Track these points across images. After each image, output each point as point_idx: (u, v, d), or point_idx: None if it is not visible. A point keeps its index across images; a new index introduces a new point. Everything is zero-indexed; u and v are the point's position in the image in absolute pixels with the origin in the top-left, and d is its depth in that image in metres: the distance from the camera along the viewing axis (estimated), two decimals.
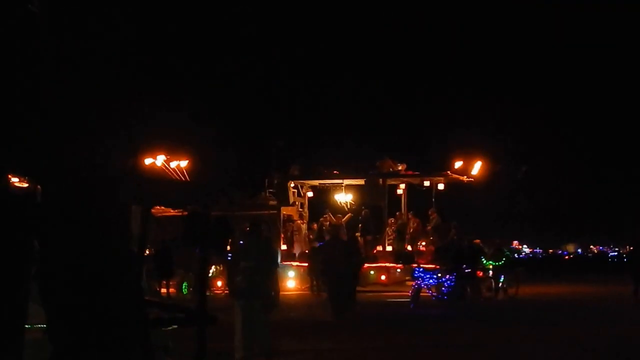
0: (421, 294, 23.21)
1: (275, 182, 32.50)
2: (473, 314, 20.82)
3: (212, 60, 56.67)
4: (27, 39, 4.78)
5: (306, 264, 29.40)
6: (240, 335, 11.12)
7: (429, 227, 30.87)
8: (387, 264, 30.43)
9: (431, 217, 31.08)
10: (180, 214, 26.74)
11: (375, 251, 30.80)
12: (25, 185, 4.97)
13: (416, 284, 23.28)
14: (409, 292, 23.51)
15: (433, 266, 25.17)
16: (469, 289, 24.77)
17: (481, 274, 25.83)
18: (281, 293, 13.71)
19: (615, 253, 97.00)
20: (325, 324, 17.82)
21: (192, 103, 45.62)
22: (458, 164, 32.00)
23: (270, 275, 11.37)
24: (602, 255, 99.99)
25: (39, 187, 4.80)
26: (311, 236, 31.64)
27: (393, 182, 32.14)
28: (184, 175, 33.05)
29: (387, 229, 31.22)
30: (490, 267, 26.20)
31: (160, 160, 33.10)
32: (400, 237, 31.13)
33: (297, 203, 32.83)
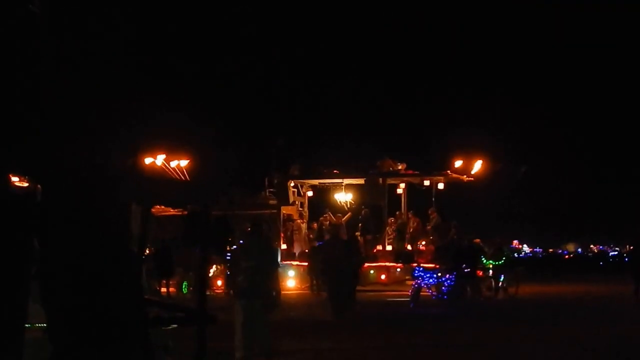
0: (421, 293, 23.22)
1: (275, 181, 32.51)
2: (473, 313, 20.83)
3: (212, 60, 56.69)
4: (27, 39, 4.78)
5: (306, 264, 29.42)
6: (240, 335, 11.12)
7: (428, 227, 30.88)
8: (387, 264, 30.44)
9: (431, 217, 31.08)
10: (180, 213, 26.77)
11: (375, 250, 30.81)
12: (26, 184, 4.97)
13: (416, 283, 23.28)
14: (408, 291, 23.52)
15: (433, 265, 25.18)
16: (469, 289, 24.79)
17: (481, 273, 25.84)
18: (281, 292, 13.70)
19: (616, 252, 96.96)
20: (325, 323, 17.82)
21: (192, 103, 45.65)
22: (458, 164, 32.01)
23: (271, 275, 11.37)
24: (603, 254, 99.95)
25: (39, 186, 4.81)
26: (311, 235, 31.65)
27: (393, 182, 32.14)
28: (184, 175, 33.05)
29: (387, 228, 31.23)
30: (490, 266, 26.21)
31: (160, 159, 33.10)
32: (400, 237, 31.14)
33: (297, 202, 32.84)
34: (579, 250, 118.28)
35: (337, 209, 32.09)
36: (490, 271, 26.24)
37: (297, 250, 31.62)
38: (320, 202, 33.55)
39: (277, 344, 12.60)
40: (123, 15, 4.83)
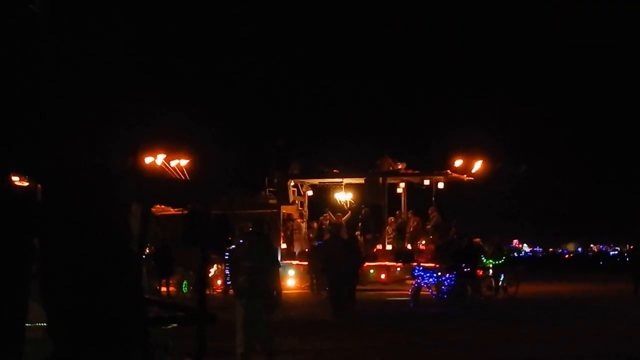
0: (421, 292, 23.23)
1: (275, 181, 32.52)
2: (473, 312, 20.83)
3: (212, 60, 56.70)
4: (27, 39, 4.79)
5: (306, 263, 29.43)
6: (241, 334, 11.16)
7: (428, 226, 30.88)
8: (387, 263, 30.44)
9: (431, 216, 31.09)
10: (181, 212, 26.80)
11: (375, 250, 30.81)
12: (26, 184, 4.98)
13: (416, 282, 23.29)
14: (408, 290, 23.53)
15: (433, 265, 25.20)
16: (469, 288, 24.78)
17: (481, 272, 25.84)
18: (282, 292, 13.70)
19: (616, 252, 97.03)
20: (325, 323, 17.83)
21: (192, 103, 45.66)
22: (458, 163, 32.00)
23: (272, 275, 11.39)
24: (602, 254, 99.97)
25: (39, 186, 4.81)
26: (311, 235, 31.65)
27: (393, 181, 32.14)
28: (184, 174, 33.04)
29: (387, 227, 31.23)
30: (490, 265, 26.22)
31: (160, 159, 33.10)
32: (400, 236, 31.13)
33: (297, 202, 32.85)
34: (579, 249, 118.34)
35: (337, 209, 32.09)
36: (490, 270, 26.25)
37: (297, 249, 31.64)
38: (320, 202, 33.56)
39: (277, 343, 12.61)
40: (123, 15, 4.84)
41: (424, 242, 30.48)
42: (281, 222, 31.69)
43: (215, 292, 26.88)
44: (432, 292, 23.83)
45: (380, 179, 31.62)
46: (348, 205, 32.48)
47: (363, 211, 31.46)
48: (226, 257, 24.89)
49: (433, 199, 31.37)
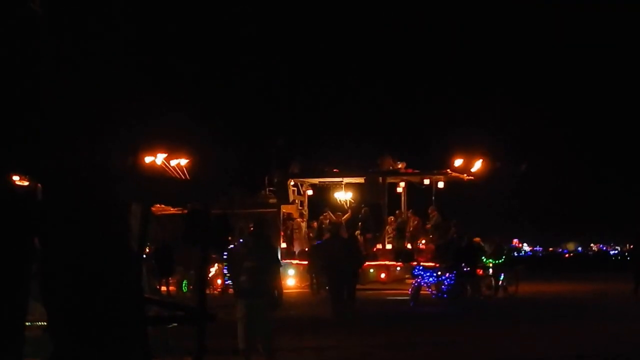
0: (421, 292, 23.22)
1: (275, 180, 32.51)
2: (473, 312, 20.83)
3: (212, 60, 56.69)
4: (27, 39, 4.80)
5: (306, 262, 29.42)
6: (243, 332, 11.20)
7: (428, 226, 30.86)
8: (387, 262, 30.43)
9: (431, 215, 31.07)
10: (181, 212, 26.79)
11: (375, 249, 30.80)
12: (26, 183, 4.99)
13: (416, 282, 23.29)
14: (408, 290, 23.52)
15: (433, 264, 25.20)
16: (468, 287, 24.79)
17: (481, 272, 25.82)
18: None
19: (617, 251, 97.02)
20: (325, 322, 17.84)
21: (192, 103, 45.64)
22: (458, 162, 31.99)
23: (273, 275, 11.43)
24: (602, 253, 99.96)
25: (39, 185, 4.83)
26: (311, 234, 31.64)
27: (393, 180, 32.13)
28: (184, 174, 33.03)
29: (387, 227, 31.22)
30: (490, 265, 26.20)
31: (160, 158, 33.09)
32: (400, 235, 31.13)
33: (297, 201, 32.84)
34: (579, 249, 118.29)
35: (337, 208, 32.09)
36: (490, 270, 26.23)
37: (296, 249, 31.63)
38: (320, 201, 33.54)
39: (277, 342, 12.62)
40: (123, 15, 4.84)
41: (423, 241, 30.47)
42: (281, 222, 31.68)
43: (215, 292, 26.85)
44: (432, 291, 23.83)
45: (380, 178, 31.61)
46: (348, 205, 32.48)
47: (363, 210, 31.44)
48: (224, 257, 24.92)
49: (433, 198, 31.35)
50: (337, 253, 19.03)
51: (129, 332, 4.68)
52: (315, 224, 32.03)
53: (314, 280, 28.20)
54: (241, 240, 12.32)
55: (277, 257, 12.21)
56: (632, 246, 29.52)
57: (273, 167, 33.22)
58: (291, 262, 30.64)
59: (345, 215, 31.17)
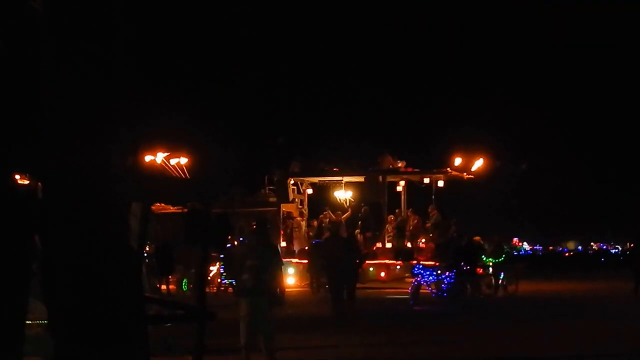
0: (421, 290, 23.24)
1: (275, 179, 32.54)
2: (473, 311, 20.85)
3: (212, 60, 56.70)
4: (27, 38, 4.81)
5: (306, 261, 29.44)
6: (245, 330, 11.25)
7: (428, 224, 30.89)
8: (387, 261, 30.46)
9: (431, 214, 31.10)
10: (181, 211, 26.81)
11: (374, 248, 30.82)
12: (27, 183, 5.01)
13: (416, 280, 23.30)
14: (408, 289, 23.53)
15: (433, 263, 25.21)
16: (468, 286, 24.81)
17: (481, 271, 25.84)
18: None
19: (617, 250, 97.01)
20: (325, 321, 17.86)
21: (192, 103, 45.65)
22: (458, 161, 32.02)
23: (275, 273, 11.46)
24: (603, 252, 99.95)
25: (40, 185, 4.84)
26: (311, 233, 31.66)
27: (393, 179, 32.17)
28: (184, 173, 33.06)
29: (387, 226, 31.25)
30: (490, 264, 26.22)
31: (160, 157, 33.13)
32: (399, 234, 31.15)
33: (296, 200, 32.87)
34: (579, 248, 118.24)
35: (337, 207, 32.11)
36: (490, 269, 26.25)
37: (296, 247, 31.66)
38: (320, 200, 33.57)
39: (278, 341, 12.64)
40: (123, 15, 4.86)
41: (423, 240, 30.49)
42: (281, 221, 31.71)
43: (212, 290, 26.86)
44: (431, 290, 23.85)
45: (380, 177, 31.64)
46: (348, 204, 32.50)
47: (363, 209, 31.47)
48: (222, 257, 24.94)
49: (433, 197, 31.38)
50: (337, 252, 19.04)
51: (129, 331, 4.70)
52: (315, 222, 32.05)
53: (314, 279, 28.22)
54: (241, 239, 12.36)
55: (279, 256, 12.24)
56: (632, 245, 29.50)
57: (273, 166, 33.26)
58: (291, 261, 30.67)
59: (345, 214, 31.19)
